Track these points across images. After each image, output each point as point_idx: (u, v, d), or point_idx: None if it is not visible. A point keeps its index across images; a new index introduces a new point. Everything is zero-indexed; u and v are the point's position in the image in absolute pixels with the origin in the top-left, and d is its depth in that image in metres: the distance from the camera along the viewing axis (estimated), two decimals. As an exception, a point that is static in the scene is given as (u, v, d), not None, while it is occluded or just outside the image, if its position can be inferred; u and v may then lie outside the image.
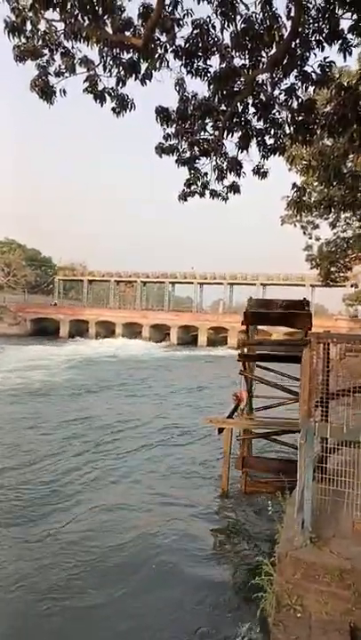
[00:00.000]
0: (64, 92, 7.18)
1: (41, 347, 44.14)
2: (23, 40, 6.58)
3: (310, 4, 6.28)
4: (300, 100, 7.20)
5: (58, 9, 6.06)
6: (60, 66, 7.03)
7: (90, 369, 32.17)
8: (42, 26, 6.60)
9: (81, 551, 7.47)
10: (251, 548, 7.82)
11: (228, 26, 6.43)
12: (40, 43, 6.73)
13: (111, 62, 6.97)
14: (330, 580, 4.16)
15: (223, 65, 6.91)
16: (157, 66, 6.89)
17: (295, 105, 7.21)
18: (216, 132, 7.83)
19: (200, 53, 6.78)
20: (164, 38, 6.73)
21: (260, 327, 12.02)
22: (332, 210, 17.14)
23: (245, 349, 11.11)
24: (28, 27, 6.48)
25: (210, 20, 6.47)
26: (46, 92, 7.05)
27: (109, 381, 26.74)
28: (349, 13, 6.24)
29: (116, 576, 6.89)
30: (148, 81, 7.07)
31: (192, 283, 74.58)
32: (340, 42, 6.39)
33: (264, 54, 6.89)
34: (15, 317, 66.40)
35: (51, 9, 6.08)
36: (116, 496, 9.83)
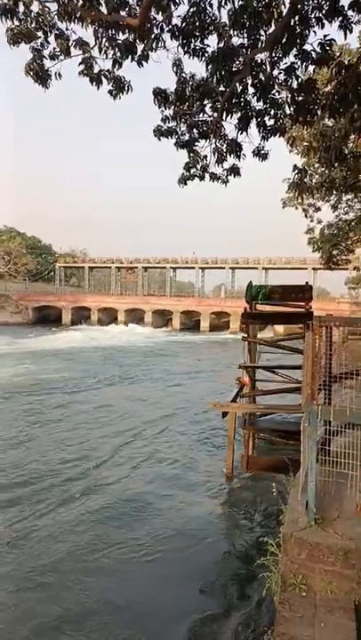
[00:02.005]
0: (59, 75, 7.05)
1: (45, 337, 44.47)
2: (16, 22, 6.43)
3: (310, -21, 6.12)
4: (299, 79, 7.04)
5: (51, -11, 5.92)
6: (54, 48, 6.88)
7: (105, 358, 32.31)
8: (35, 7, 6.45)
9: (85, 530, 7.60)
10: (255, 529, 7.93)
11: (226, 3, 6.26)
12: (33, 25, 6.58)
13: (107, 44, 6.82)
14: (334, 560, 4.21)
15: (221, 44, 6.76)
16: (154, 46, 6.74)
17: (295, 85, 7.05)
18: (215, 114, 7.70)
19: (197, 33, 6.62)
20: (160, 18, 6.57)
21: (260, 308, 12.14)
22: (334, 192, 16.95)
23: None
24: (21, 8, 6.34)
25: (207, -2, 6.32)
26: (41, 76, 6.93)
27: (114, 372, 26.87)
28: (350, -12, 6.08)
29: (118, 552, 7.04)
30: (144, 62, 6.94)
31: (193, 267, 74.37)
32: (340, 19, 6.20)
33: (263, 33, 6.72)
34: (17, 306, 66.47)
35: (44, -11, 5.94)
36: (121, 478, 9.94)
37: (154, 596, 6.17)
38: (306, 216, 21.91)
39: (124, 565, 6.81)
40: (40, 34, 6.70)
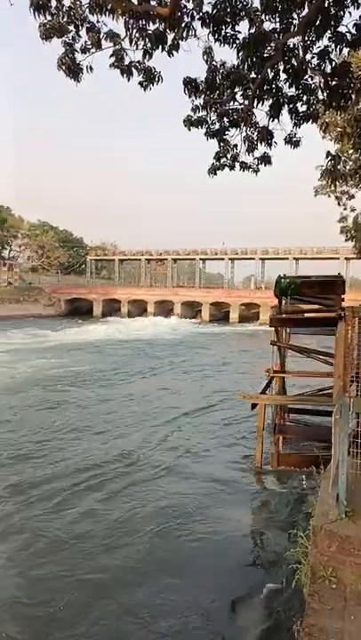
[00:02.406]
0: (90, 68, 7.09)
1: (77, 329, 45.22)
2: (48, 17, 6.50)
3: None
4: (333, 63, 6.86)
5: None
6: (85, 42, 6.92)
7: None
8: (66, 1, 6.50)
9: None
10: (285, 521, 7.89)
11: (258, -12, 6.16)
12: (65, 19, 6.63)
13: (137, 34, 6.81)
14: (365, 553, 4.16)
15: (253, 30, 6.64)
16: (184, 35, 6.69)
17: (329, 69, 6.88)
18: (246, 102, 7.59)
19: (228, 19, 6.53)
20: (190, 6, 6.52)
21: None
22: (369, 179, 16.46)
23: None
24: (53, 3, 6.39)
25: (238, -17, 6.22)
26: (73, 70, 6.99)
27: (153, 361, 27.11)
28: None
29: (152, 541, 7.16)
30: (175, 52, 6.90)
31: (223, 259, 73.90)
32: (377, -2, 6.03)
33: (295, 16, 6.58)
34: (50, 298, 67.82)
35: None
36: (159, 471, 10.08)
37: (186, 582, 6.26)
38: (339, 204, 21.39)
39: (160, 553, 6.93)
40: (72, 27, 6.75)
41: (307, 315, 11.57)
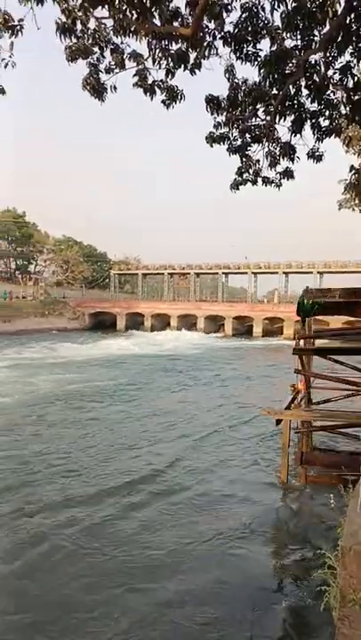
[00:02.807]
0: (115, 88, 7.27)
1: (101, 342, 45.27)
2: (74, 40, 6.71)
3: (366, -26, 5.95)
4: (356, 78, 6.86)
5: (106, 6, 6.13)
6: (109, 62, 7.12)
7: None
8: (91, 24, 6.70)
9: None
10: (312, 541, 7.69)
11: (279, 6, 6.22)
12: (90, 41, 6.84)
13: (160, 54, 6.97)
14: None
15: (274, 48, 6.71)
16: (206, 54, 6.81)
17: (351, 84, 6.88)
18: (268, 118, 7.65)
19: (250, 38, 6.62)
20: (212, 25, 6.64)
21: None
22: (393, 191, 16.27)
23: (301, 342, 10.76)
24: (79, 26, 6.60)
25: (259, 2, 6.31)
26: (98, 90, 7.18)
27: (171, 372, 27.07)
28: None
29: (172, 554, 7.06)
30: (197, 70, 7.02)
31: (246, 273, 73.73)
32: None
33: (317, 33, 6.62)
34: (75, 312, 68.73)
35: (99, 6, 6.16)
36: (183, 485, 10.00)
37: (210, 602, 6.14)
38: (363, 218, 21.16)
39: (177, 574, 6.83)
40: (96, 49, 6.95)
41: (333, 329, 11.31)
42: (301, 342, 10.86)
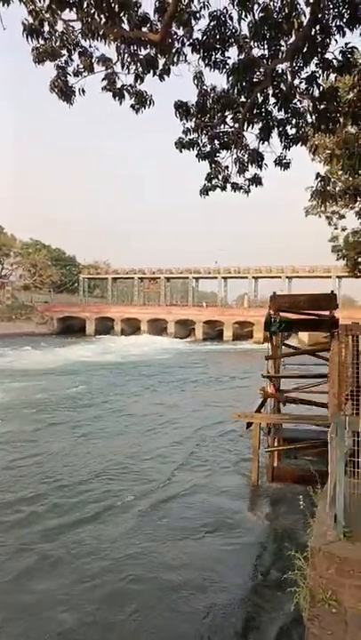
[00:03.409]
0: (83, 91, 7.21)
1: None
2: (41, 42, 6.63)
3: (330, -12, 6.12)
4: (321, 88, 7.04)
5: (74, 9, 6.08)
6: (78, 65, 7.06)
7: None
8: (59, 26, 6.63)
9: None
10: (282, 542, 7.77)
11: (246, 16, 6.33)
12: (58, 43, 6.77)
13: (129, 59, 6.96)
14: (365, 575, 4.09)
15: (242, 56, 6.82)
16: (175, 60, 6.85)
17: (317, 93, 7.05)
18: (236, 125, 7.74)
19: (218, 45, 6.70)
20: (181, 32, 6.69)
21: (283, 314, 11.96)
22: (358, 199, 16.75)
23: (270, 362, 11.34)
24: (46, 28, 6.52)
25: (227, 11, 6.39)
26: (65, 93, 7.11)
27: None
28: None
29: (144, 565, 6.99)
30: (166, 76, 7.05)
31: (216, 277, 74.34)
32: (361, 26, 6.21)
33: (283, 43, 6.76)
34: (43, 317, 67.60)
35: (67, 9, 6.11)
36: (151, 487, 9.93)
37: (181, 605, 6.10)
38: (330, 224, 21.71)
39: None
40: (64, 52, 6.88)
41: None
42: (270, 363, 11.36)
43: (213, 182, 8.56)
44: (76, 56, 6.98)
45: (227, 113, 7.70)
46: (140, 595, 6.32)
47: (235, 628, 5.68)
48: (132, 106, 7.50)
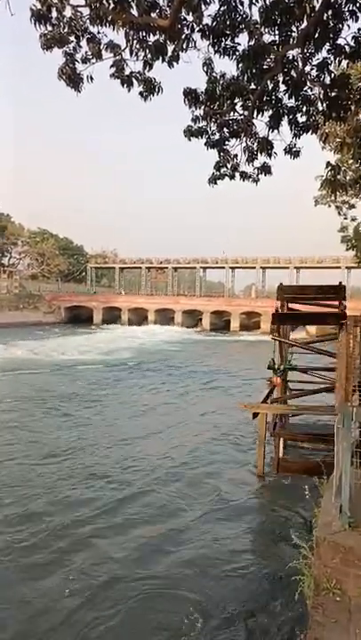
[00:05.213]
0: (91, 78, 7.14)
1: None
2: (49, 28, 6.56)
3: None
4: (333, 74, 6.92)
5: (83, -6, 6.01)
6: (86, 52, 6.98)
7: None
8: (67, 12, 6.56)
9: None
10: (288, 531, 7.82)
11: (257, 1, 6.22)
12: (66, 30, 6.69)
13: (137, 46, 6.87)
14: (369, 565, 4.11)
15: (252, 42, 6.70)
16: (184, 47, 6.75)
17: (328, 80, 6.93)
18: (246, 112, 7.64)
19: (228, 31, 6.59)
20: (190, 18, 6.58)
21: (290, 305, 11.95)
22: (369, 188, 16.54)
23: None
24: (54, 14, 6.45)
25: (238, -4, 6.28)
26: (74, 80, 7.04)
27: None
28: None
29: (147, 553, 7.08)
30: (175, 63, 6.96)
31: (223, 267, 74.09)
32: (375, 10, 6.08)
33: (294, 29, 6.64)
34: (50, 306, 67.88)
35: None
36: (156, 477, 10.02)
37: (184, 591, 6.18)
38: (339, 214, 21.48)
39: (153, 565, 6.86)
40: (72, 38, 6.81)
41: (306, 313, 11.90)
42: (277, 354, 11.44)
43: (222, 171, 8.48)
44: (84, 42, 6.90)
45: (236, 100, 7.59)
46: (144, 577, 6.41)
47: (238, 611, 5.75)
48: (141, 93, 7.42)
